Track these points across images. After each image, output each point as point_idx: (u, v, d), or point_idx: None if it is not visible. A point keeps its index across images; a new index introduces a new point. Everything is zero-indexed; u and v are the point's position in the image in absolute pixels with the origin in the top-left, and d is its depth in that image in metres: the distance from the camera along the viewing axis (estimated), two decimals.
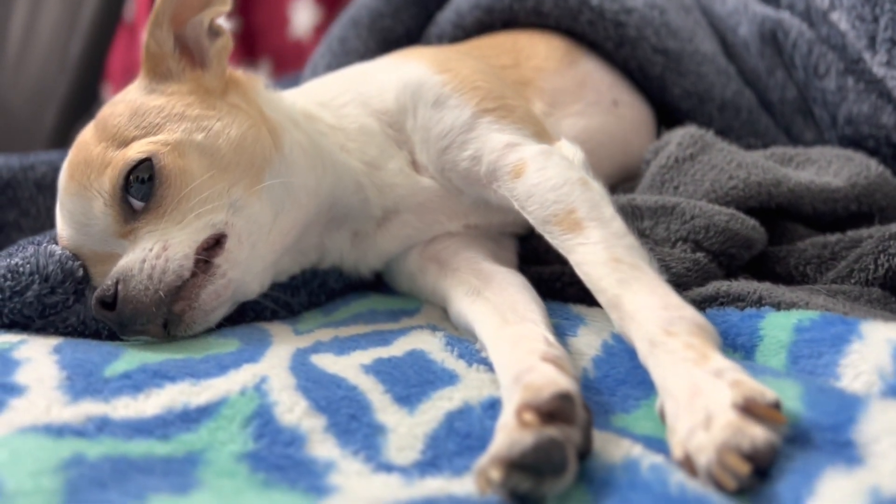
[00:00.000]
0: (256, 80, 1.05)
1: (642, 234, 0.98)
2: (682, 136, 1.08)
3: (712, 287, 0.91)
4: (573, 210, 0.85)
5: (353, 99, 1.05)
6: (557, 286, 1.01)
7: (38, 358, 0.78)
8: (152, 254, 0.85)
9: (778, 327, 0.79)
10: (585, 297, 0.99)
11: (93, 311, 0.86)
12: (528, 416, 0.65)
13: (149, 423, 0.70)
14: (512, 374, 0.73)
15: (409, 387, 0.78)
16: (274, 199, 0.94)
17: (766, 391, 0.64)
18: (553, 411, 0.65)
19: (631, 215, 1.00)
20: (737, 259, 0.98)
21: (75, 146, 0.94)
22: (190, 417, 0.71)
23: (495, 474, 0.61)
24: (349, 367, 0.81)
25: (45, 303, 0.88)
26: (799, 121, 1.23)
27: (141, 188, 0.88)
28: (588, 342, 0.85)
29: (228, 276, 0.89)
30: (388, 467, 0.67)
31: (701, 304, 0.90)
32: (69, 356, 0.78)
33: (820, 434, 0.62)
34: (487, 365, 0.83)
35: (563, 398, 0.66)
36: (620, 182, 1.16)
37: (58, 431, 0.66)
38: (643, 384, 0.77)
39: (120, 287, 0.84)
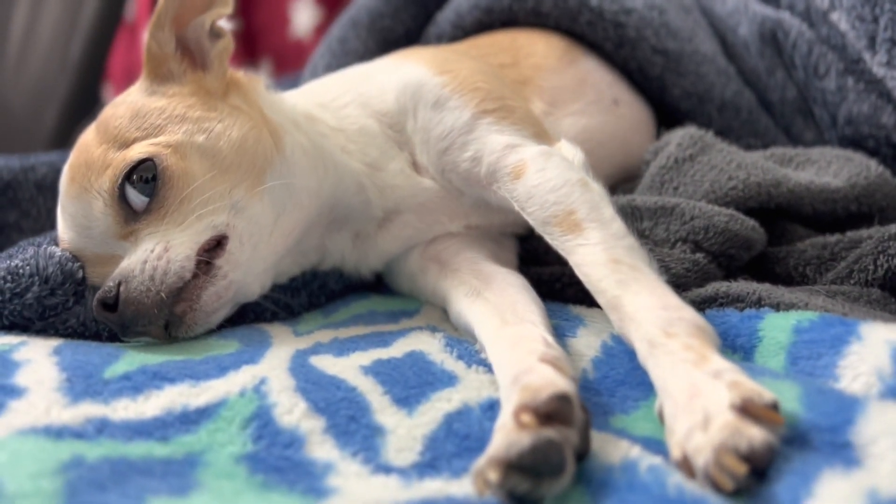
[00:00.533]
0: (257, 82, 1.05)
1: (642, 235, 0.98)
2: (681, 136, 1.08)
3: (712, 288, 0.91)
4: (573, 211, 0.85)
5: (353, 100, 1.05)
6: (557, 287, 1.01)
7: (38, 360, 0.78)
8: (153, 255, 0.85)
9: (777, 328, 0.79)
10: (585, 298, 0.99)
11: (94, 312, 0.86)
12: (526, 418, 0.65)
13: (148, 424, 0.70)
14: (510, 375, 0.73)
15: (409, 388, 0.78)
16: (275, 201, 0.94)
17: (764, 392, 0.64)
18: (551, 412, 0.65)
19: (630, 216, 1.00)
20: (736, 260, 0.98)
21: (76, 148, 0.94)
22: (189, 419, 0.71)
23: (493, 475, 0.61)
24: (348, 368, 0.81)
25: (44, 304, 0.88)
26: (799, 121, 1.23)
27: (143, 189, 0.88)
28: (587, 343, 0.85)
29: (230, 277, 0.89)
30: (386, 469, 0.67)
31: (700, 305, 0.90)
32: (69, 358, 0.78)
33: (818, 435, 0.62)
34: (486, 366, 0.83)
35: (561, 399, 0.66)
36: (620, 182, 1.16)
37: (57, 433, 0.66)
38: (642, 385, 0.77)
39: (121, 288, 0.84)
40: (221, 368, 0.78)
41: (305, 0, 2.20)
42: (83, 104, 2.44)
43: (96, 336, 0.91)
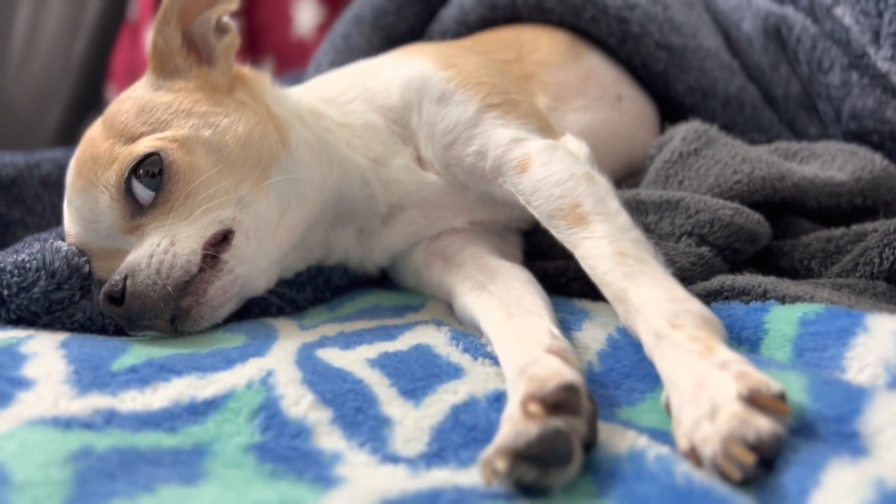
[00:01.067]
0: (263, 77, 1.05)
1: (647, 229, 0.99)
2: (686, 131, 1.09)
3: (717, 281, 0.91)
4: (578, 204, 0.85)
5: (358, 95, 1.06)
6: (562, 281, 1.01)
7: (46, 352, 0.78)
8: (160, 249, 0.85)
9: (783, 321, 0.79)
10: (590, 291, 0.99)
11: (100, 306, 0.86)
12: (534, 408, 0.65)
13: (156, 415, 0.70)
14: (517, 366, 0.74)
15: (415, 380, 0.78)
16: (281, 196, 0.94)
17: (771, 382, 0.64)
18: (558, 402, 0.65)
19: (635, 210, 1.00)
20: (741, 253, 0.98)
21: (83, 143, 0.94)
22: (197, 410, 0.71)
23: (501, 465, 0.61)
24: (355, 361, 0.81)
25: (51, 299, 0.88)
26: (803, 116, 1.23)
27: (149, 183, 0.88)
28: (593, 336, 0.85)
29: (236, 271, 0.89)
30: (394, 459, 0.68)
31: (706, 299, 0.90)
32: (76, 351, 0.79)
33: (825, 425, 0.62)
34: (492, 359, 0.83)
35: (569, 389, 0.66)
36: (625, 178, 1.16)
37: (66, 424, 0.67)
38: (648, 377, 0.77)
39: (128, 282, 0.84)
40: (228, 361, 0.78)
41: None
42: (86, 103, 2.45)
43: (103, 330, 0.91)
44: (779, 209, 1.03)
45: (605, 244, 0.81)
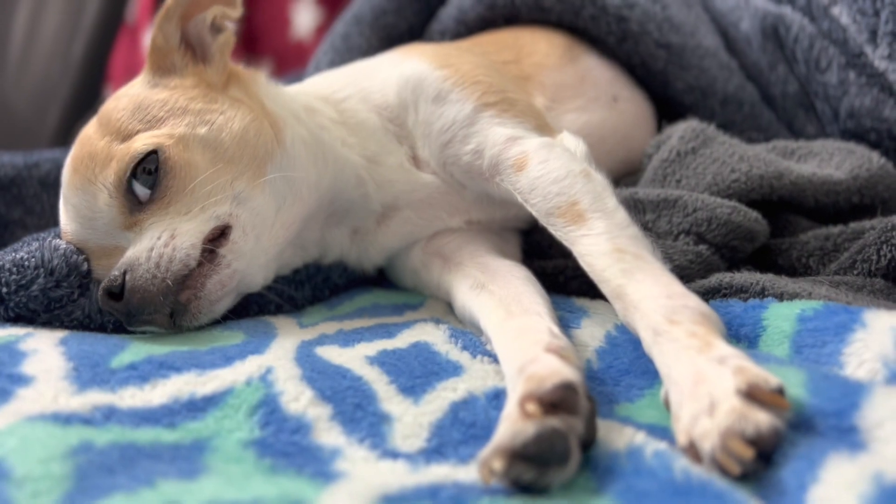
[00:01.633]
0: (258, 74, 1.05)
1: (645, 228, 0.99)
2: (683, 129, 1.09)
3: (715, 279, 0.91)
4: (576, 202, 0.86)
5: (354, 94, 1.06)
6: (561, 280, 1.01)
7: (45, 349, 0.78)
8: (160, 242, 0.86)
9: (781, 317, 0.79)
10: (589, 290, 0.99)
11: (99, 302, 0.86)
12: (531, 407, 0.65)
13: (155, 412, 0.70)
14: (516, 365, 0.74)
15: (414, 378, 0.78)
16: (276, 192, 0.94)
17: (769, 377, 0.64)
18: (556, 401, 0.65)
19: (633, 209, 1.00)
20: (739, 251, 0.99)
21: (78, 141, 0.95)
22: (196, 406, 0.71)
23: (498, 465, 0.61)
24: (354, 358, 0.81)
25: (50, 297, 0.88)
26: (801, 115, 1.24)
27: (146, 180, 0.88)
28: (591, 334, 0.86)
29: (233, 266, 0.89)
30: (393, 454, 0.68)
31: (704, 296, 0.90)
32: (75, 348, 0.79)
33: (823, 420, 0.62)
34: (491, 356, 0.83)
35: (566, 388, 0.66)
36: (622, 177, 1.17)
37: (66, 420, 0.67)
38: (647, 374, 0.78)
39: (127, 276, 0.84)
40: (227, 358, 0.78)
41: (306, 1, 2.20)
42: (85, 105, 2.44)
43: (101, 328, 0.91)
44: (777, 207, 1.03)
45: (602, 241, 0.81)
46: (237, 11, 1.01)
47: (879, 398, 0.62)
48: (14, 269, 0.88)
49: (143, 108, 0.92)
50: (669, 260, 0.95)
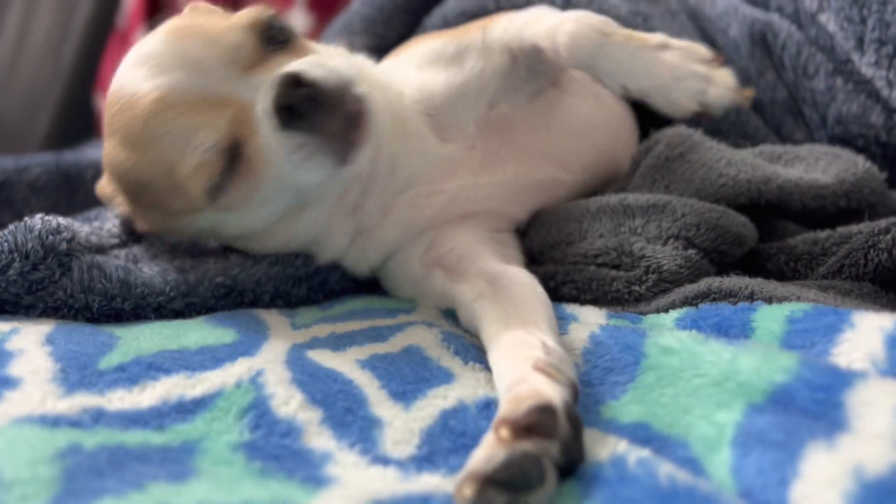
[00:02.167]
0: None
1: (634, 233, 0.99)
2: (670, 135, 1.09)
3: (704, 283, 0.92)
4: None
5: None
6: (551, 285, 1.01)
7: (31, 349, 0.77)
8: (317, 58, 0.86)
9: (770, 319, 0.79)
10: (578, 295, 1.00)
11: (274, 98, 0.84)
12: (504, 432, 0.64)
13: (144, 414, 0.70)
14: (505, 384, 0.73)
15: (405, 383, 0.78)
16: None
17: None
18: (530, 425, 0.64)
19: (623, 214, 1.01)
20: (728, 256, 0.99)
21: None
22: (185, 409, 0.71)
23: (468, 491, 0.59)
24: (345, 362, 0.81)
25: (29, 279, 0.87)
26: (789, 121, 1.24)
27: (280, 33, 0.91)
28: (577, 336, 0.85)
29: (373, 110, 0.88)
30: (384, 460, 0.67)
31: (693, 301, 0.90)
32: (62, 348, 0.78)
33: (811, 394, 0.63)
34: (483, 363, 0.83)
35: (542, 411, 0.65)
36: (609, 182, 1.17)
37: (53, 422, 0.66)
38: (628, 367, 0.77)
39: (301, 70, 0.82)
40: (217, 360, 0.78)
41: (298, 7, 2.21)
42: (75, 111, 2.44)
43: (86, 308, 0.89)
44: (765, 212, 1.04)
45: None
46: None
47: (872, 383, 0.63)
48: None
49: None
50: (658, 265, 0.95)
